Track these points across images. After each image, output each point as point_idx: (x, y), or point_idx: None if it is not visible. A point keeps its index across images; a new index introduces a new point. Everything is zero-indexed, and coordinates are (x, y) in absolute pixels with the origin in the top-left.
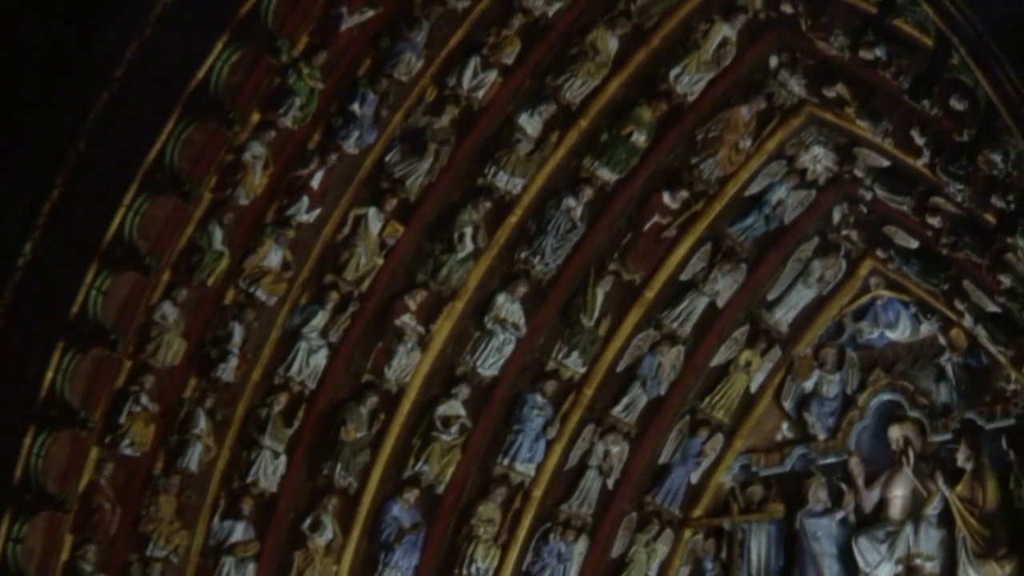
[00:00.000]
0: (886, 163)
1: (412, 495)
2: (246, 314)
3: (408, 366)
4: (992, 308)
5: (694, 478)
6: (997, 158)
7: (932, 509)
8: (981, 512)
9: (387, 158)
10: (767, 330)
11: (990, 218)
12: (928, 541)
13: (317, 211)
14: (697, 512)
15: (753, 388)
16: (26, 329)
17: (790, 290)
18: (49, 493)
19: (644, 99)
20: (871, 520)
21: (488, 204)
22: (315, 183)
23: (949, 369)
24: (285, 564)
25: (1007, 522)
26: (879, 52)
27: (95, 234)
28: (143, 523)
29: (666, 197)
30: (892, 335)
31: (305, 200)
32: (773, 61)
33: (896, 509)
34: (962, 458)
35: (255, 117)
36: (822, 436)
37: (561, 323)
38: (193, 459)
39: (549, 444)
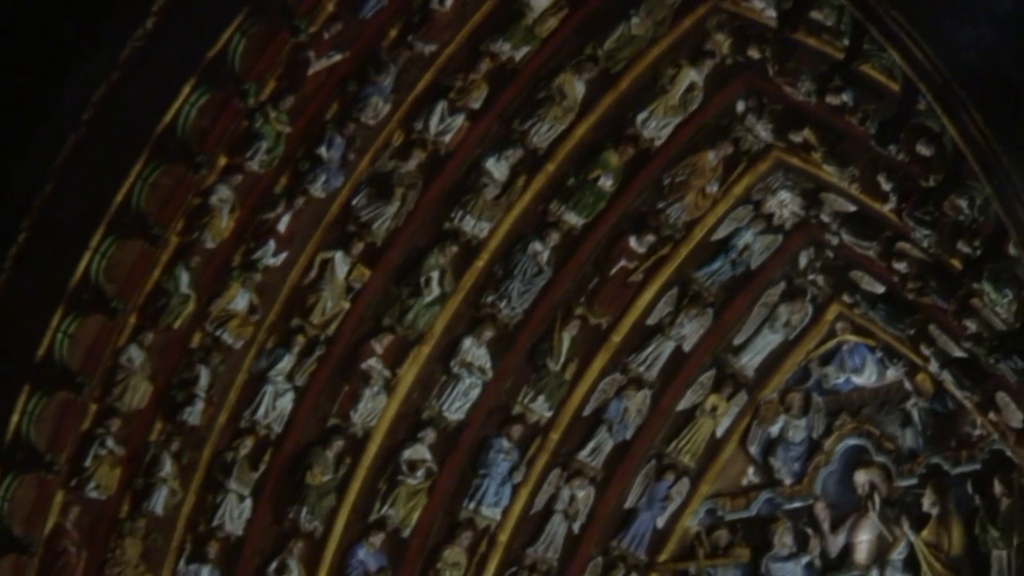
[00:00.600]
0: (853, 208)
1: (378, 539)
2: (212, 357)
3: (374, 410)
4: (958, 353)
5: (660, 523)
6: (963, 203)
7: (898, 554)
8: (947, 557)
9: (354, 202)
10: (733, 375)
11: (956, 263)
12: None
13: (284, 255)
14: (663, 556)
15: (719, 433)
16: None
17: (756, 335)
18: (15, 536)
19: (611, 143)
20: (837, 565)
21: (455, 248)
22: (282, 227)
23: (915, 414)
24: None
25: (972, 567)
26: (846, 97)
27: (62, 277)
28: (109, 566)
29: (633, 241)
30: (858, 380)
31: (272, 244)
32: (740, 106)
33: (862, 554)
34: (928, 503)
35: (222, 161)
36: (788, 481)
37: (528, 367)
38: (159, 502)
39: (515, 488)
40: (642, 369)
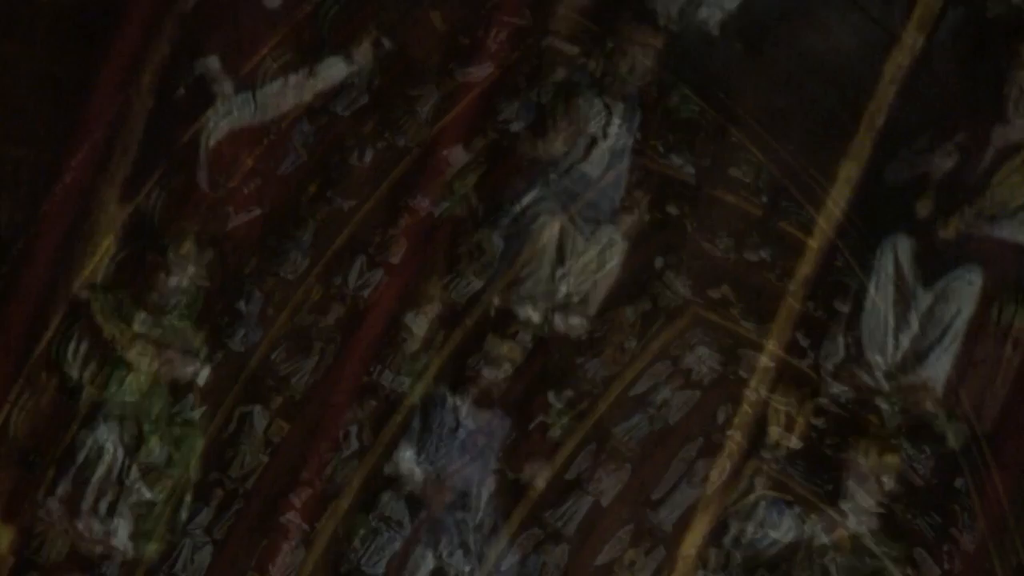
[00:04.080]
0: (771, 364)
1: None
2: None
3: (292, 564)
4: (876, 509)
5: None
6: None
7: None
8: None
9: (273, 356)
10: (651, 530)
11: (874, 420)
12: None
13: (202, 409)
14: None
15: None
16: None
17: (674, 490)
18: None
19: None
20: None
21: (373, 403)
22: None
23: (833, 569)
24: None
25: None
26: (764, 254)
27: None
28: None
29: (551, 397)
30: (776, 535)
31: (190, 398)
32: (658, 262)
33: None
34: None
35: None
36: None
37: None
38: None
39: None
40: (560, 524)
